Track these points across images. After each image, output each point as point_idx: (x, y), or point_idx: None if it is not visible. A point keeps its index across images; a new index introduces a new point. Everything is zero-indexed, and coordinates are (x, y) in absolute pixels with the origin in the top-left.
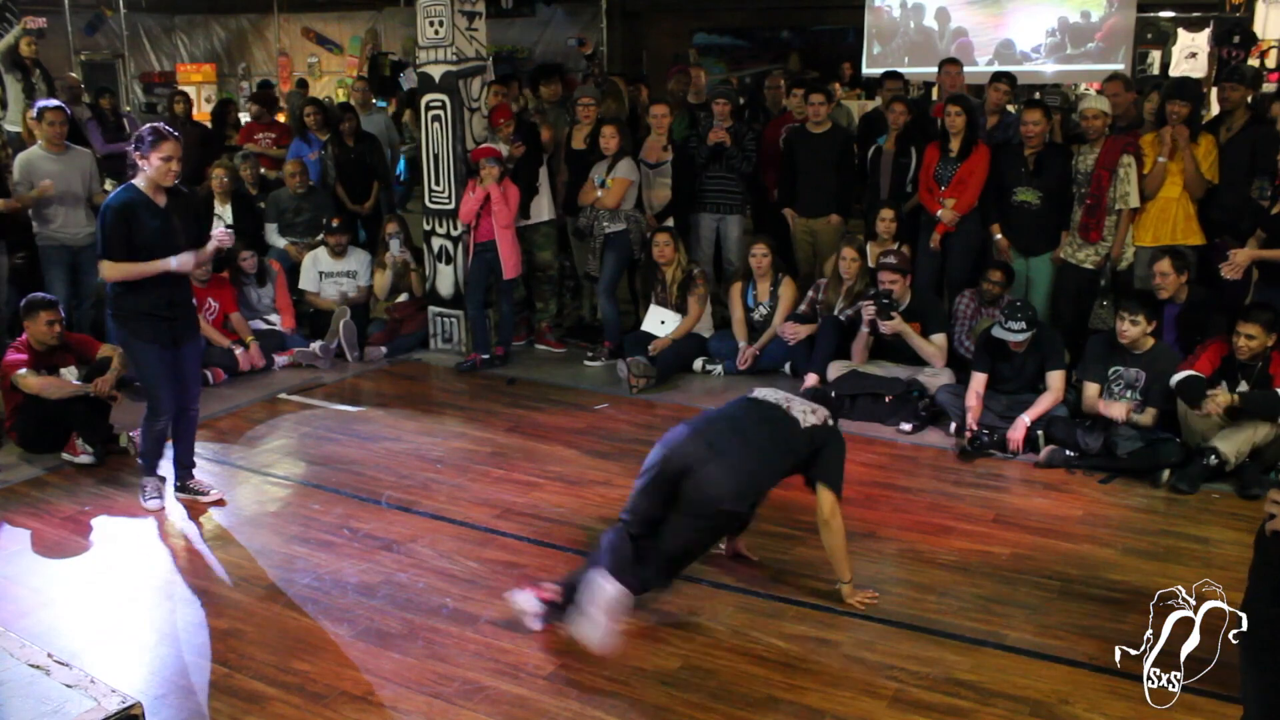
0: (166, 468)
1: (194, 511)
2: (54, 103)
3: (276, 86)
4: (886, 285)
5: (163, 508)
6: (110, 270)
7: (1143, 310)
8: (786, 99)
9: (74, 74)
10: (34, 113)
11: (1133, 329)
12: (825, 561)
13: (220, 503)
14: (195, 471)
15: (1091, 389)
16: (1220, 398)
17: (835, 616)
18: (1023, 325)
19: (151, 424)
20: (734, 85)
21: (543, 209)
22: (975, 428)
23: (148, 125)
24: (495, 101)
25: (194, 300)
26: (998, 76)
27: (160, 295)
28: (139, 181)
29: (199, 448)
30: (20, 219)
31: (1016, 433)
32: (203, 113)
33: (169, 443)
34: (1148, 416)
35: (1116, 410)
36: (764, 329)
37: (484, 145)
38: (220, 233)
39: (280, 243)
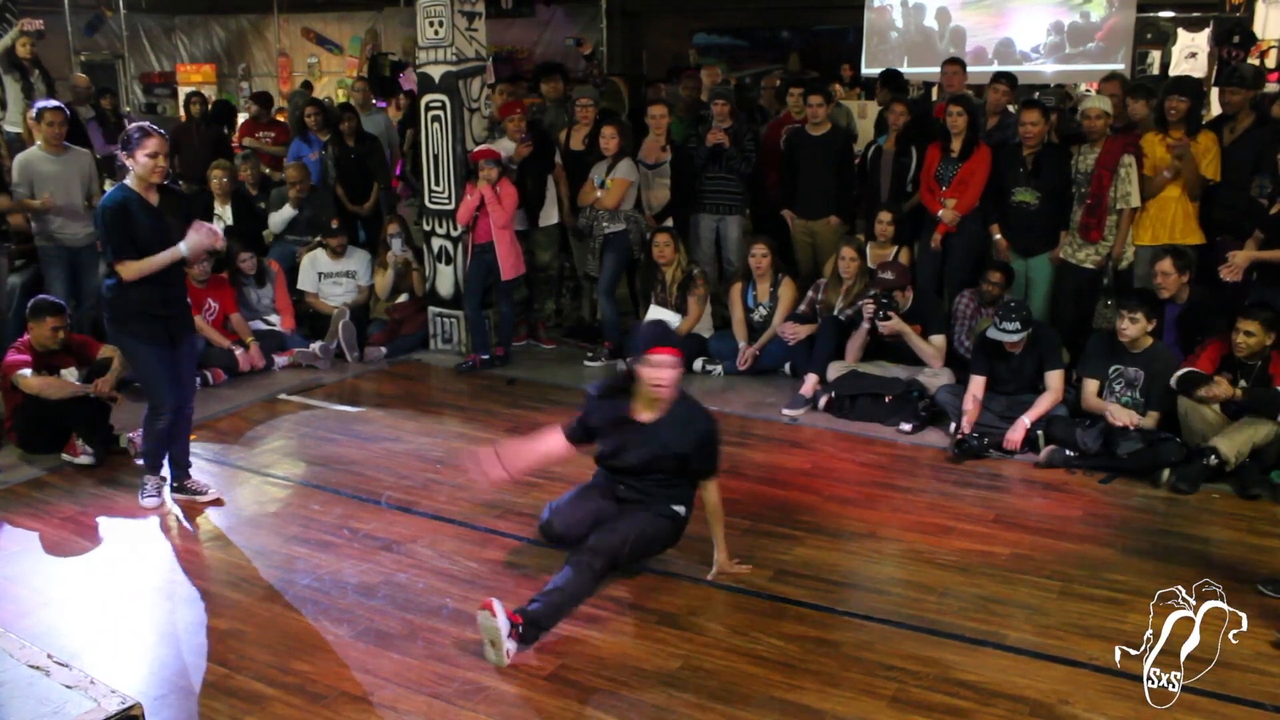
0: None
1: (193, 511)
2: (53, 103)
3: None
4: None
5: (160, 505)
6: (129, 270)
7: (1142, 308)
8: (786, 98)
9: (82, 74)
10: (33, 113)
11: (1132, 327)
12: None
13: (218, 502)
14: (192, 471)
15: (1091, 385)
16: (1222, 386)
17: (835, 616)
18: (1017, 326)
19: (153, 422)
20: (733, 85)
21: (550, 215)
22: (966, 431)
23: (134, 124)
24: (502, 100)
25: (188, 298)
26: (998, 77)
27: (156, 293)
28: (129, 181)
29: (198, 448)
30: (22, 229)
31: (1016, 434)
32: None
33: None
34: (1150, 419)
35: (1123, 417)
36: (764, 329)
37: (483, 147)
38: (213, 230)
39: (285, 213)
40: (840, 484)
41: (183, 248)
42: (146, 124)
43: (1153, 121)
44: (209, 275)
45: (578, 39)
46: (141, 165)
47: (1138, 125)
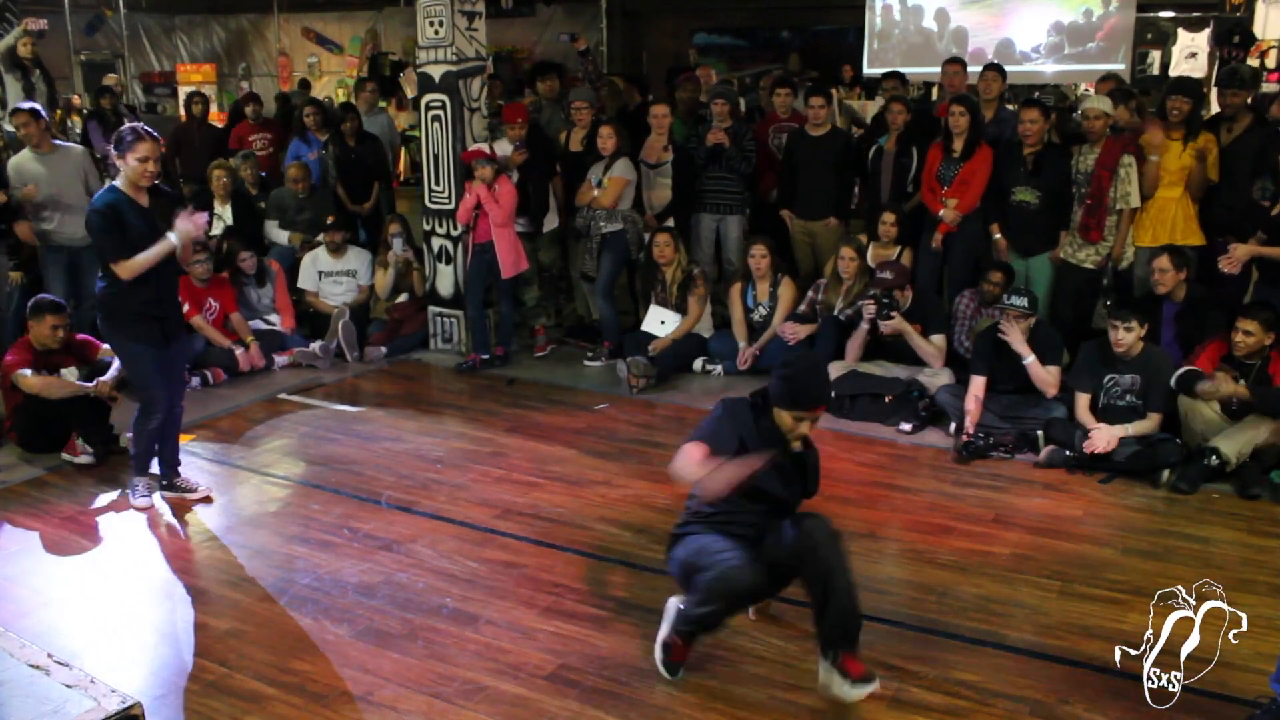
0: (154, 466)
1: (192, 511)
2: (26, 105)
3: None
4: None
5: (151, 506)
6: (126, 269)
7: (1135, 316)
8: (771, 97)
9: (115, 74)
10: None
11: (1127, 335)
12: None
13: (208, 499)
14: (182, 469)
15: (1083, 399)
16: (1227, 382)
17: None
18: (1025, 301)
19: (145, 422)
20: (734, 85)
21: (552, 221)
22: (970, 432)
23: (128, 125)
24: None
25: (180, 298)
26: (988, 68)
27: (149, 294)
28: (119, 182)
29: (198, 447)
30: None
31: (1104, 442)
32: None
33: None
34: (1150, 423)
35: (1101, 443)
36: (764, 329)
37: (474, 148)
38: (199, 218)
39: (282, 237)
40: (840, 484)
41: (173, 237)
42: (140, 126)
43: (1140, 124)
44: (210, 275)
45: (573, 35)
46: (132, 169)
47: (1125, 129)
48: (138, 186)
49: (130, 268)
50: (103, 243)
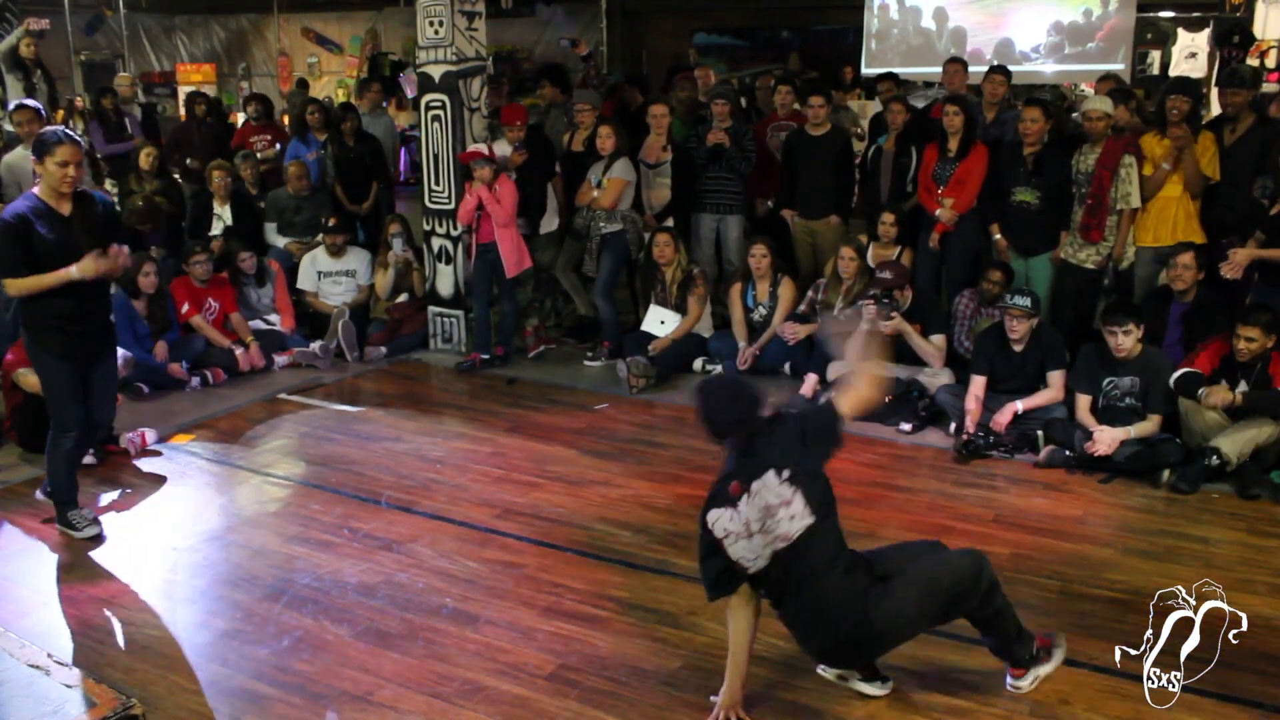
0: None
1: (192, 512)
2: (28, 102)
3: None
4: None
5: (101, 532)
6: (14, 288)
7: (1130, 319)
8: (774, 95)
9: (125, 73)
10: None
11: (1125, 340)
12: None
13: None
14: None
15: (1084, 401)
16: (1220, 393)
17: None
18: (1028, 302)
19: (58, 443)
20: (733, 85)
21: (551, 223)
22: (971, 432)
23: (50, 128)
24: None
25: (112, 316)
26: (994, 69)
27: (68, 307)
28: (39, 189)
29: (199, 447)
30: None
31: (1004, 416)
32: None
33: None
34: (1150, 424)
35: (1103, 446)
36: (764, 329)
37: (472, 149)
38: (120, 251)
39: (280, 242)
40: (840, 484)
41: (73, 270)
42: (61, 129)
43: (1140, 124)
44: (210, 275)
45: (573, 40)
46: (51, 174)
47: (1125, 129)
48: (59, 194)
49: (19, 286)
50: (1, 255)
